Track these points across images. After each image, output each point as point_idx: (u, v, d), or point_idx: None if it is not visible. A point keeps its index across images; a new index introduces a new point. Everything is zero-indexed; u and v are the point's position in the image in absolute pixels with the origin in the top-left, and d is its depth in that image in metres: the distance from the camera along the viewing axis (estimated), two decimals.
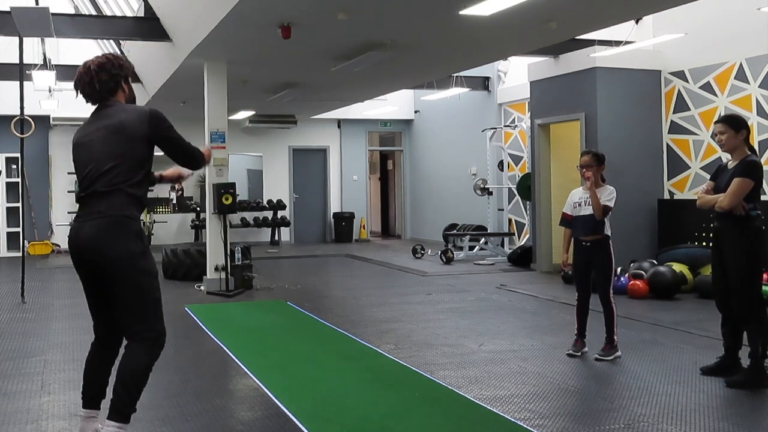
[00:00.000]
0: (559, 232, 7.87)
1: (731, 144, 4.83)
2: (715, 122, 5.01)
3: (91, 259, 3.32)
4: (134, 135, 3.34)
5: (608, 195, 5.50)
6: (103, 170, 3.31)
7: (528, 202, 11.92)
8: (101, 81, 3.45)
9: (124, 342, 3.43)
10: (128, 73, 3.57)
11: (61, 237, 15.24)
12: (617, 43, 9.42)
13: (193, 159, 3.65)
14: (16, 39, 8.98)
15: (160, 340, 3.39)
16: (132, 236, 3.32)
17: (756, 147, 6.76)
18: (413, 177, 17.59)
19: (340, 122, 17.52)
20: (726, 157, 5.16)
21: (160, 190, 15.45)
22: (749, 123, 5.07)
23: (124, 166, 3.32)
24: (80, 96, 3.54)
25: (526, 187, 11.68)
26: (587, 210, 5.53)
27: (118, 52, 3.68)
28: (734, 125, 4.83)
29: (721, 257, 4.88)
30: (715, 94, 9.37)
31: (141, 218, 3.55)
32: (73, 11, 13.49)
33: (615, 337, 5.52)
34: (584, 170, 5.54)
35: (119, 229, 3.29)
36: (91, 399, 3.45)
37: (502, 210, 13.20)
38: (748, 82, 8.92)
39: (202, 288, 9.43)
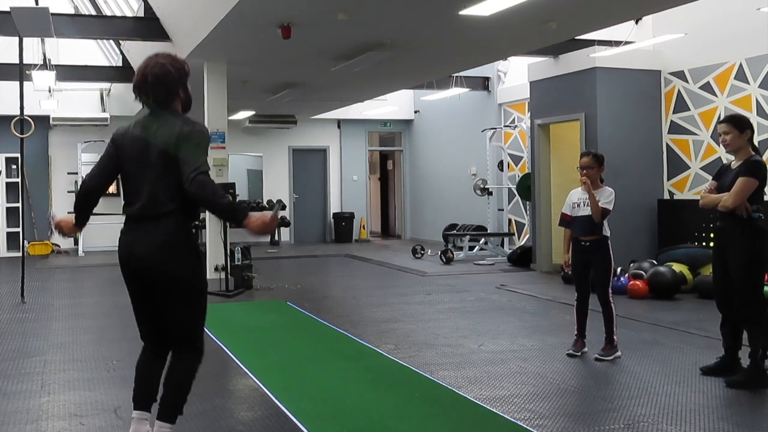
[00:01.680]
0: (558, 232, 7.86)
1: (735, 144, 4.83)
2: (720, 122, 5.01)
3: (148, 273, 3.35)
4: (173, 157, 3.27)
5: (607, 197, 5.50)
6: (157, 195, 3.29)
7: (528, 202, 11.92)
8: (158, 94, 3.38)
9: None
10: (185, 79, 3.46)
11: (61, 237, 15.23)
12: (617, 43, 9.42)
13: (207, 199, 3.21)
14: (16, 39, 8.98)
15: (202, 350, 3.53)
16: (188, 253, 3.38)
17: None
18: (413, 177, 17.59)
19: (340, 122, 17.52)
20: (728, 158, 5.16)
21: None
22: None
23: (174, 188, 3.26)
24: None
25: (525, 187, 11.68)
26: (586, 210, 5.53)
27: (174, 55, 3.49)
28: (738, 125, 4.84)
29: (722, 257, 4.87)
30: (715, 95, 9.37)
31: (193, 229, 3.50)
32: (73, 11, 13.48)
33: (615, 337, 5.53)
34: (584, 172, 5.54)
35: (176, 245, 3.32)
36: (144, 402, 3.50)
37: (502, 210, 13.20)
38: (748, 83, 8.92)
39: None
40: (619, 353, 5.51)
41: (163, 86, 3.38)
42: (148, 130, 3.37)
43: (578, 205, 5.60)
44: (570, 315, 6.11)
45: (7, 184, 15.05)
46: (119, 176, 3.50)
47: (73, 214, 3.58)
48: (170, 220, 3.31)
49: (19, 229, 11.04)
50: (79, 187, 3.56)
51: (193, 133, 3.31)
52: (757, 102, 8.81)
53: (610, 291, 5.52)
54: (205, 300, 3.52)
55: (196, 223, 15.66)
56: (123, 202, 3.45)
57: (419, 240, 15.82)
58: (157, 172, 3.30)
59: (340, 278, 11.12)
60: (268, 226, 3.29)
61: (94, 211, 3.54)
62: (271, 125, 16.29)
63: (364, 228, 17.62)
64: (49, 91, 14.04)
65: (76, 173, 14.85)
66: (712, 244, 5.30)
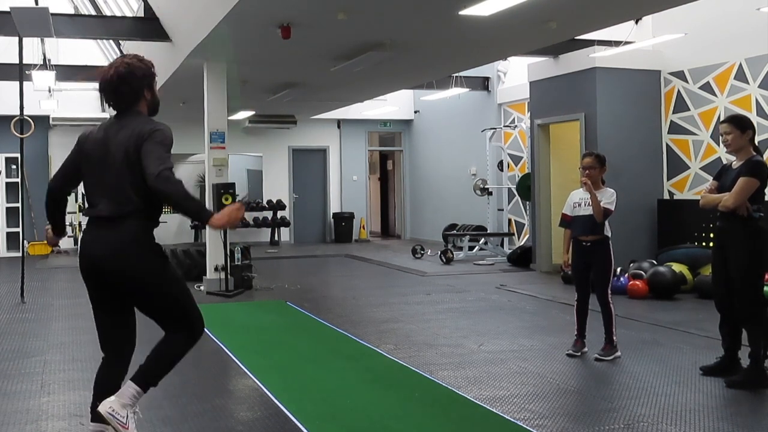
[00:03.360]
0: (558, 232, 7.86)
1: (737, 144, 4.83)
2: (721, 122, 5.02)
3: (110, 276, 3.31)
4: (137, 157, 3.25)
5: (609, 197, 5.50)
6: (117, 194, 3.27)
7: (528, 202, 11.92)
8: (122, 93, 3.38)
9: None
10: (151, 80, 3.46)
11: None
12: (617, 44, 9.42)
13: (173, 197, 3.16)
14: (16, 39, 8.98)
15: (198, 327, 3.44)
16: (150, 252, 3.33)
17: None
18: (413, 177, 17.59)
19: (339, 122, 17.52)
20: (729, 157, 5.16)
21: None
22: None
23: (135, 187, 3.26)
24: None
25: (525, 188, 11.68)
26: (587, 210, 5.53)
27: (126, 53, 3.47)
28: (740, 125, 4.84)
29: (722, 257, 4.87)
30: (715, 95, 9.37)
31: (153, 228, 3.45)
32: (72, 11, 13.48)
33: (614, 338, 5.53)
34: (586, 172, 5.54)
35: (137, 246, 3.29)
36: (101, 415, 3.38)
37: (502, 210, 13.20)
38: (748, 83, 8.92)
39: (201, 288, 9.43)
40: (618, 353, 5.51)
41: (127, 85, 3.37)
42: (110, 131, 3.37)
43: (579, 205, 5.60)
44: (570, 315, 6.11)
45: (7, 184, 15.05)
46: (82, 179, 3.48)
47: (49, 226, 3.57)
48: (129, 222, 3.28)
49: (19, 229, 11.04)
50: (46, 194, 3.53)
51: (155, 131, 3.28)
52: (757, 102, 8.81)
53: (609, 291, 5.52)
54: (179, 286, 3.43)
55: (196, 223, 15.54)
56: (86, 205, 3.44)
57: (419, 240, 15.83)
58: (117, 173, 3.28)
59: (340, 278, 11.12)
60: (236, 215, 3.20)
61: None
62: (271, 125, 16.28)
63: (364, 228, 17.62)
64: (49, 91, 14.04)
65: None
66: (712, 244, 5.30)
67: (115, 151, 3.30)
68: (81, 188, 3.51)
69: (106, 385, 3.41)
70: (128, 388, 3.31)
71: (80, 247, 3.42)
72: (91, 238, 3.36)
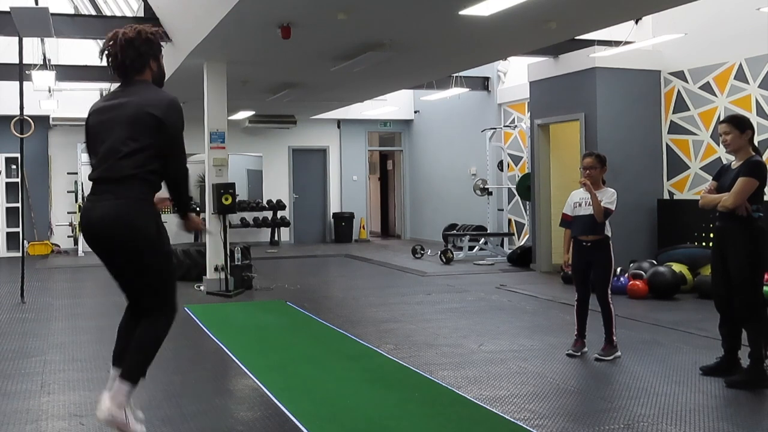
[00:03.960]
0: (558, 232, 7.87)
1: (736, 144, 4.84)
2: (720, 122, 5.02)
3: (108, 239, 3.35)
4: (152, 122, 3.30)
5: (610, 197, 5.50)
6: (121, 155, 3.30)
7: (527, 203, 11.92)
8: (128, 57, 3.38)
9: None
10: (158, 51, 3.49)
11: (60, 237, 15.25)
12: (617, 44, 9.42)
13: (181, 179, 3.49)
14: (16, 39, 8.98)
15: (173, 315, 3.54)
16: (149, 219, 3.37)
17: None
18: (413, 177, 17.59)
19: (339, 122, 17.52)
20: (728, 158, 5.16)
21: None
22: None
23: (142, 153, 3.30)
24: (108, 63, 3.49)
25: (525, 188, 11.68)
26: (587, 210, 5.53)
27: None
28: (739, 125, 4.84)
29: (722, 257, 4.88)
30: (715, 95, 9.37)
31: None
32: (72, 11, 13.49)
33: (614, 338, 5.53)
34: (587, 172, 5.55)
35: (136, 211, 3.32)
36: (122, 358, 3.53)
37: (502, 210, 13.21)
38: (748, 83, 8.93)
39: (201, 288, 9.43)
40: (618, 353, 5.51)
41: (134, 49, 3.39)
42: (118, 98, 3.40)
43: (579, 205, 5.60)
44: (570, 315, 6.11)
45: (7, 184, 15.04)
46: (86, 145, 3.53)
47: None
48: (130, 185, 3.31)
49: (19, 229, 11.03)
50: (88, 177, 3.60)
51: (173, 108, 3.37)
52: (757, 102, 8.81)
53: (609, 292, 5.53)
54: (169, 263, 3.51)
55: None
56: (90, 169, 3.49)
57: (419, 240, 15.83)
58: (123, 137, 3.31)
59: (340, 278, 11.12)
60: (196, 226, 3.72)
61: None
62: (271, 125, 16.29)
63: (363, 228, 17.62)
64: (49, 91, 14.03)
65: (76, 173, 14.83)
66: (711, 244, 5.30)
67: (123, 115, 3.32)
68: (80, 188, 3.57)
69: (128, 330, 3.55)
70: (120, 386, 3.36)
71: (82, 211, 3.48)
72: (90, 203, 3.41)
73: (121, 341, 3.58)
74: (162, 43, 3.56)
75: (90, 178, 3.45)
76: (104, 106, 3.43)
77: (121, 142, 3.30)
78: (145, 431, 3.48)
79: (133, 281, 3.46)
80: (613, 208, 5.50)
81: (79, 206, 14.29)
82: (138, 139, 3.30)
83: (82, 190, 14.59)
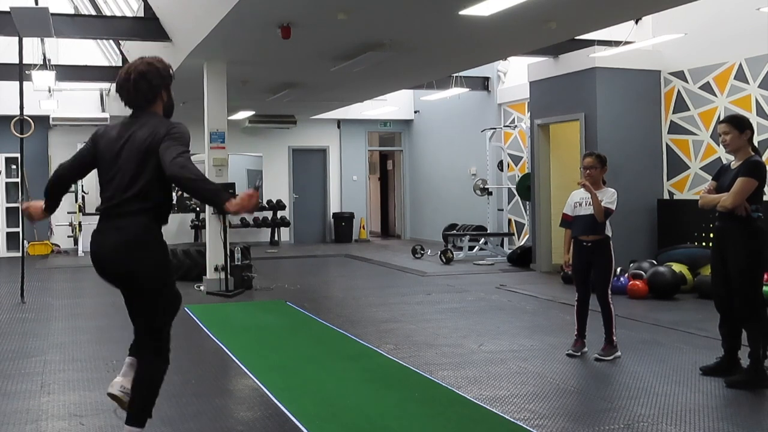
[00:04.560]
0: (558, 232, 7.87)
1: (735, 144, 4.84)
2: (719, 122, 5.03)
3: (113, 275, 3.43)
4: (157, 156, 3.29)
5: (610, 197, 5.50)
6: (128, 191, 3.32)
7: (527, 203, 11.92)
8: (140, 90, 3.43)
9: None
10: (169, 81, 3.53)
11: (60, 237, 15.24)
12: (617, 44, 9.42)
13: (192, 183, 3.20)
14: (16, 39, 8.98)
15: (167, 355, 3.55)
16: (150, 257, 3.38)
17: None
18: (413, 177, 17.59)
19: (339, 122, 17.52)
20: (728, 158, 5.16)
21: None
22: None
23: (148, 186, 3.32)
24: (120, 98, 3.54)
25: (525, 188, 11.68)
26: (587, 209, 5.53)
27: (160, 60, 3.52)
28: (738, 125, 4.84)
29: (721, 257, 4.88)
30: (715, 95, 9.37)
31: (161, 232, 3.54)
32: (72, 11, 13.49)
33: (614, 338, 5.53)
34: (587, 172, 5.55)
35: (142, 248, 3.35)
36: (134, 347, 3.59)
37: (502, 210, 13.20)
38: (748, 83, 8.93)
39: (201, 288, 9.43)
40: (618, 353, 5.51)
41: (146, 83, 3.43)
42: (128, 130, 3.42)
43: (580, 204, 5.60)
44: (570, 315, 6.11)
45: (7, 184, 15.04)
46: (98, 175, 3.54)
47: (43, 200, 3.62)
48: (138, 219, 3.34)
49: (19, 229, 11.04)
50: (51, 174, 3.63)
51: (173, 128, 3.35)
52: (757, 102, 8.81)
53: (609, 292, 5.53)
54: (170, 303, 3.52)
55: (196, 223, 15.61)
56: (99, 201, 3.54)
57: (419, 240, 15.83)
58: (131, 171, 3.33)
59: (340, 278, 11.12)
60: (249, 202, 3.12)
61: (93, 211, 3.59)
62: (271, 125, 16.29)
63: (363, 228, 17.62)
64: (49, 91, 14.03)
65: None
66: (711, 244, 5.30)
67: (131, 150, 3.35)
68: (80, 188, 3.57)
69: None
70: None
71: (90, 241, 3.49)
72: (99, 236, 3.43)
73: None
74: (171, 72, 3.58)
75: (97, 210, 3.54)
76: (116, 135, 3.44)
77: (129, 176, 3.34)
78: None
79: (134, 313, 3.51)
80: (614, 208, 5.50)
81: (79, 206, 14.31)
82: (144, 174, 3.32)
83: (83, 190, 14.61)
